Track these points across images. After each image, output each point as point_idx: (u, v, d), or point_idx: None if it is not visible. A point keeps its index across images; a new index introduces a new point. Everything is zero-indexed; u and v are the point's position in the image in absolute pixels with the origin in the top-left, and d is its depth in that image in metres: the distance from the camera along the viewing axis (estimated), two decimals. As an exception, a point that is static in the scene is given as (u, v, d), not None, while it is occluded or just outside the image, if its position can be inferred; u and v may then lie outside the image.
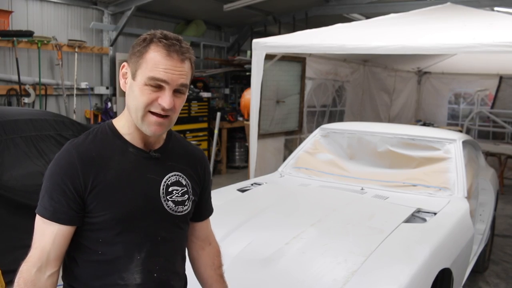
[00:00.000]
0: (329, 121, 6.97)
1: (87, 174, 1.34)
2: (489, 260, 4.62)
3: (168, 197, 1.45)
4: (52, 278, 1.35)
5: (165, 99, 1.31)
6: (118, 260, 1.38)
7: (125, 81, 1.39)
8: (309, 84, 6.75)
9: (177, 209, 1.47)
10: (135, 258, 1.39)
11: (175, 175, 1.48)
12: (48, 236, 1.33)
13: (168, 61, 1.30)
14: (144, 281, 1.41)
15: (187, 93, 1.40)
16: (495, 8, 7.41)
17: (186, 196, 1.50)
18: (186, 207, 1.49)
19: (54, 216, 1.33)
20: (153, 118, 1.34)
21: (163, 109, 1.33)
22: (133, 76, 1.34)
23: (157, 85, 1.31)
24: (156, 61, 1.30)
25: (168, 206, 1.44)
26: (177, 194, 1.47)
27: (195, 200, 1.56)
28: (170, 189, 1.45)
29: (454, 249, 2.82)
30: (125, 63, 1.39)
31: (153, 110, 1.33)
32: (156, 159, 1.45)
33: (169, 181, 1.46)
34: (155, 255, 1.43)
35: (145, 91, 1.32)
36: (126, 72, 1.38)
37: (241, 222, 2.83)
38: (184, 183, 1.50)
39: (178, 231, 1.51)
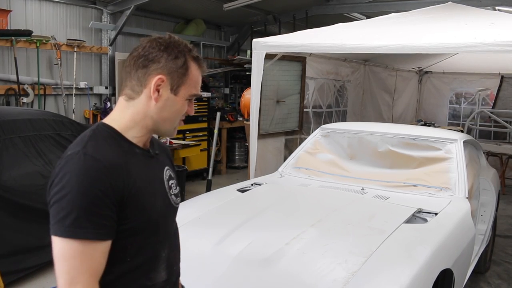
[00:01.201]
0: (334, 122, 6.96)
1: (120, 182, 1.27)
2: (490, 261, 4.60)
3: (170, 192, 1.50)
4: None
5: (193, 109, 1.47)
6: (147, 262, 1.38)
7: (158, 94, 1.37)
8: (311, 84, 6.74)
9: (177, 201, 1.54)
10: (161, 257, 1.43)
11: (167, 169, 1.53)
12: (98, 257, 1.22)
13: (200, 79, 1.46)
14: (169, 276, 1.46)
15: None
16: (497, 8, 7.38)
17: (178, 187, 1.56)
18: (179, 198, 1.57)
19: (100, 234, 1.22)
20: (179, 124, 1.48)
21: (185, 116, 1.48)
22: (175, 91, 1.39)
23: (191, 99, 1.45)
24: (196, 79, 1.43)
25: (172, 200, 1.50)
26: (174, 187, 1.53)
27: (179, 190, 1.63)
28: (170, 184, 1.50)
29: (455, 250, 2.81)
30: (163, 77, 1.36)
31: (181, 118, 1.46)
32: (154, 157, 1.48)
33: (166, 176, 1.50)
34: (173, 249, 1.50)
35: (185, 104, 1.43)
36: (160, 85, 1.36)
37: (241, 222, 2.81)
38: (173, 175, 1.56)
39: (176, 221, 1.59)
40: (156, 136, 1.62)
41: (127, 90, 1.39)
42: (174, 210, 1.53)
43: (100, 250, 1.23)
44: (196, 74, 1.42)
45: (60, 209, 1.20)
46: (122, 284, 1.34)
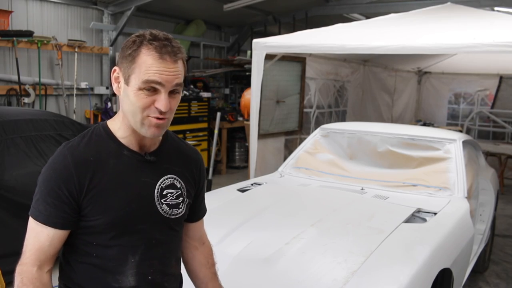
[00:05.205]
0: (334, 122, 6.98)
1: (82, 178, 1.33)
2: (489, 260, 4.61)
3: (162, 200, 1.44)
4: (50, 273, 1.38)
5: (162, 102, 1.31)
6: (112, 263, 1.38)
7: (118, 85, 1.37)
8: (312, 85, 6.76)
9: (172, 212, 1.47)
10: (129, 261, 1.40)
11: (170, 178, 1.47)
12: (43, 239, 1.34)
13: (161, 64, 1.29)
14: (139, 284, 1.41)
15: (181, 92, 1.40)
16: (495, 8, 7.40)
17: (181, 199, 1.49)
18: (180, 210, 1.49)
19: (49, 221, 1.33)
20: (153, 121, 1.34)
21: (161, 113, 1.32)
22: (127, 82, 1.33)
23: (152, 89, 1.30)
24: (148, 65, 1.29)
25: (162, 209, 1.44)
26: (171, 197, 1.46)
27: (190, 202, 1.56)
28: (164, 192, 1.45)
29: (454, 249, 2.82)
30: (116, 68, 1.37)
31: (151, 114, 1.33)
32: (151, 162, 1.44)
33: (163, 184, 1.45)
34: (150, 258, 1.43)
35: (140, 96, 1.30)
36: (118, 77, 1.37)
37: (241, 222, 2.83)
38: (178, 185, 1.49)
39: (173, 233, 1.51)
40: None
41: None
42: (164, 219, 1.45)
43: (47, 233, 1.34)
44: (147, 59, 1.28)
45: (35, 192, 1.37)
46: (90, 277, 1.39)
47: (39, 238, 1.34)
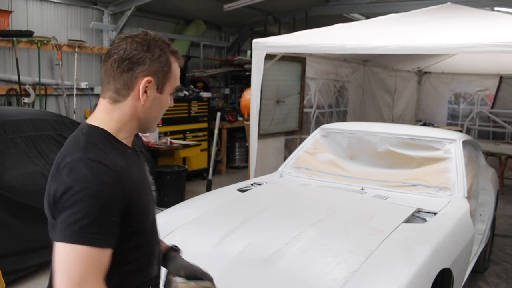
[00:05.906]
0: (334, 122, 6.99)
1: (126, 187, 1.29)
2: (489, 260, 4.62)
3: (152, 188, 1.53)
4: None
5: (172, 102, 1.49)
6: (145, 259, 1.42)
7: (146, 95, 1.37)
8: (312, 85, 6.76)
9: (155, 195, 1.60)
10: (155, 252, 1.47)
11: (146, 166, 1.55)
12: (105, 262, 1.23)
13: (179, 71, 1.48)
14: (158, 270, 1.51)
15: None
16: (495, 8, 7.41)
17: (152, 181, 1.59)
18: (155, 192, 1.60)
19: (107, 241, 1.22)
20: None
21: None
22: (160, 89, 1.41)
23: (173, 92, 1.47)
24: (177, 73, 1.46)
25: (153, 196, 1.53)
26: (151, 183, 1.55)
27: None
28: (150, 180, 1.54)
29: (454, 249, 2.83)
30: (150, 78, 1.36)
31: None
32: (139, 156, 1.49)
33: (148, 172, 1.53)
34: (159, 243, 1.54)
35: (168, 99, 1.46)
36: (148, 86, 1.36)
37: (241, 222, 2.83)
38: (148, 171, 1.57)
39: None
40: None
41: (111, 93, 1.36)
42: (155, 205, 1.56)
43: (106, 256, 1.22)
44: (176, 68, 1.44)
45: (69, 215, 1.18)
46: (125, 284, 1.37)
47: (101, 263, 1.21)
